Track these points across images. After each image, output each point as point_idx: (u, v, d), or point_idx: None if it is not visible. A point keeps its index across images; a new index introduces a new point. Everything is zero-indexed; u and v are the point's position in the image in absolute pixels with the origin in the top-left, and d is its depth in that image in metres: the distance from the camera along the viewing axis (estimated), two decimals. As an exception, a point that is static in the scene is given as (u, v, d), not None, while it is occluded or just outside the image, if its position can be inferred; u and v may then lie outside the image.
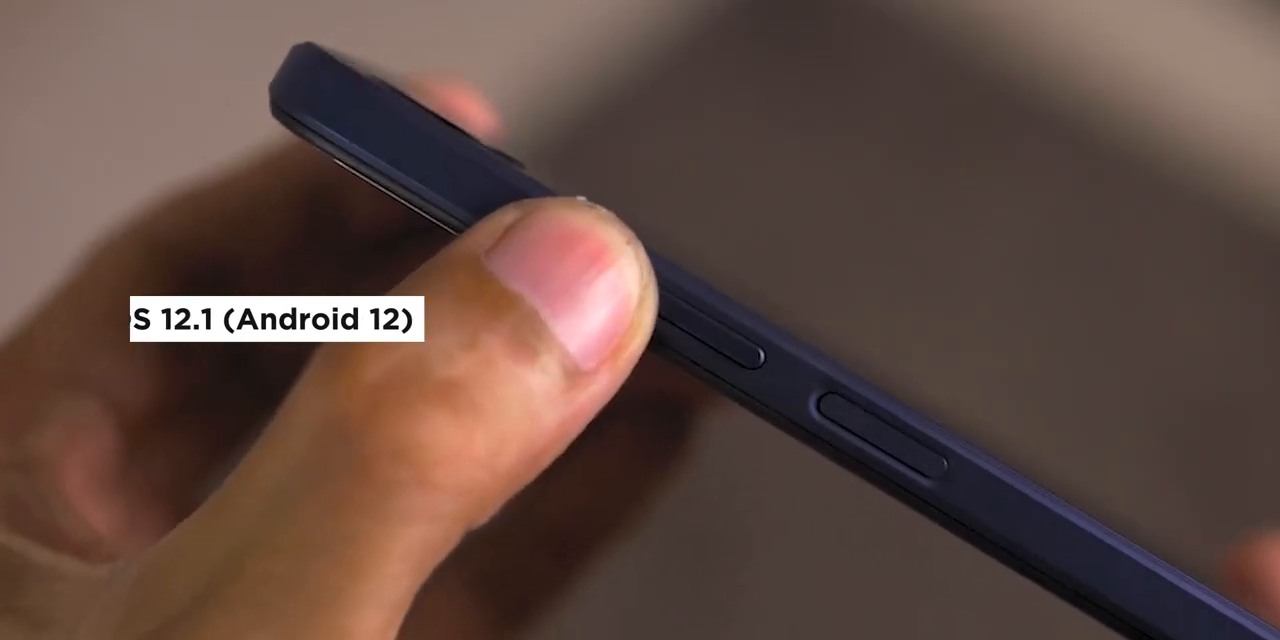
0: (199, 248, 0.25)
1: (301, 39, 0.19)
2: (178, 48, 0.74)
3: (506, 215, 0.18)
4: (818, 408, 0.17)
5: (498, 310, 0.17)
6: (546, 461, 0.18)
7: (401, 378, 0.17)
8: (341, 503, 0.17)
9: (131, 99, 0.74)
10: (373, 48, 0.26)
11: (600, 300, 0.17)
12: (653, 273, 0.18)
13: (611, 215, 0.18)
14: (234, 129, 0.75)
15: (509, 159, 0.19)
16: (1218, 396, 0.65)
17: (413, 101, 0.18)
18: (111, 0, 0.76)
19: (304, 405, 0.17)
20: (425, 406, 0.17)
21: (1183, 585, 0.17)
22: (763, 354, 0.17)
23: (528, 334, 0.17)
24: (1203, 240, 0.69)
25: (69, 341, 0.23)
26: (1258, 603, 0.26)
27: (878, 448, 0.17)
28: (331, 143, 0.18)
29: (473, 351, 0.17)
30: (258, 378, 0.26)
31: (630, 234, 0.18)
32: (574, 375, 0.17)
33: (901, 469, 0.17)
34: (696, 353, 0.18)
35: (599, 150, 0.70)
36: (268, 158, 0.26)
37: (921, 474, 0.17)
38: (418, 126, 0.18)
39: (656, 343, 0.18)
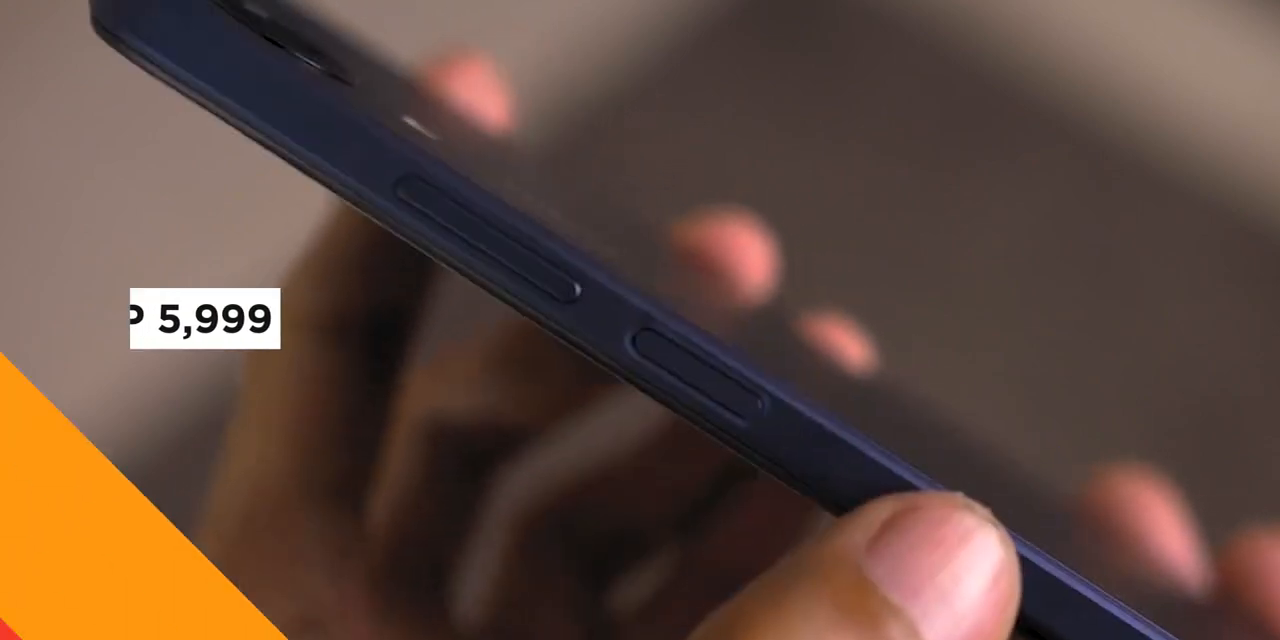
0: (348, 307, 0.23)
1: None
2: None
3: (883, 510, 0.17)
4: (633, 344, 0.17)
5: (879, 626, 0.17)
6: None
7: None
8: None
9: (130, 100, 0.74)
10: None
11: (978, 608, 0.17)
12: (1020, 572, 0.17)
13: (989, 514, 0.17)
14: (232, 129, 0.75)
15: (340, 79, 0.18)
16: (1218, 397, 0.65)
17: (248, 26, 0.17)
18: None
19: None
20: None
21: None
22: (578, 288, 0.17)
23: None
24: (1203, 240, 0.69)
25: (283, 456, 0.22)
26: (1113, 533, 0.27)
27: (693, 387, 0.17)
28: (152, 62, 0.17)
29: None
30: None
31: (1004, 533, 0.17)
32: None
33: (717, 409, 0.17)
34: (511, 284, 0.17)
35: (600, 149, 0.70)
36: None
37: (737, 414, 0.17)
38: (244, 52, 0.17)
39: (475, 274, 0.17)
